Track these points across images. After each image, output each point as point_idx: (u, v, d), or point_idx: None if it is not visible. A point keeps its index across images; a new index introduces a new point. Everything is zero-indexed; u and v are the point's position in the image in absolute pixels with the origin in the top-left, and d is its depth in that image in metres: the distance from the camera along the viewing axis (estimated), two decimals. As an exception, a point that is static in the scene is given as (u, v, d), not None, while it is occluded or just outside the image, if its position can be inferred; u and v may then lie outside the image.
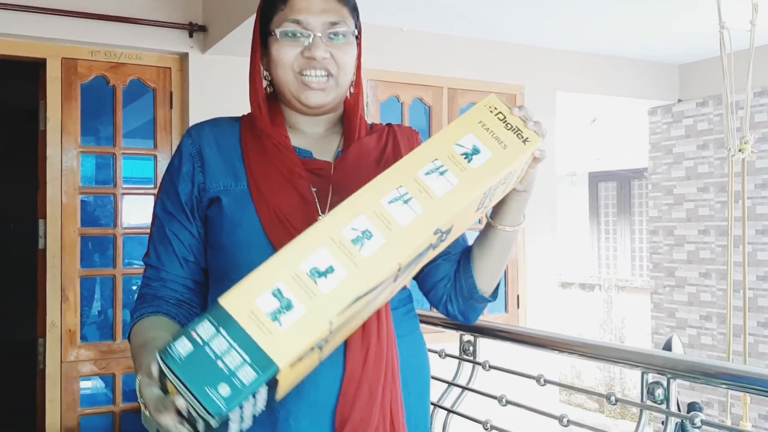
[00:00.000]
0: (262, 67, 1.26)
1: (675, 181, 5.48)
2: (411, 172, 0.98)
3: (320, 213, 1.18)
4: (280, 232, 1.14)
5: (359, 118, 1.30)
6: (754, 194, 4.88)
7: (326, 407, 1.13)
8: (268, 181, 1.19)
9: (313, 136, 1.29)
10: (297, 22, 1.19)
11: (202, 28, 3.56)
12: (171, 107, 3.66)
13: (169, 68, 3.66)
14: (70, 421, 3.39)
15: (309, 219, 1.15)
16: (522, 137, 1.04)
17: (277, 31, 1.20)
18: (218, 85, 3.60)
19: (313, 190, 1.20)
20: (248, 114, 1.30)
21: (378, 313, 1.17)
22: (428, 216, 0.96)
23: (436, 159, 0.99)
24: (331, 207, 1.18)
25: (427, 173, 0.99)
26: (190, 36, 3.56)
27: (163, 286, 1.23)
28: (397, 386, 1.18)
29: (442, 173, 0.99)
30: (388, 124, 1.36)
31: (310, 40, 1.19)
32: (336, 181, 1.22)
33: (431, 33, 4.29)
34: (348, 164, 1.24)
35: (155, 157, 3.63)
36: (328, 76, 1.21)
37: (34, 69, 3.54)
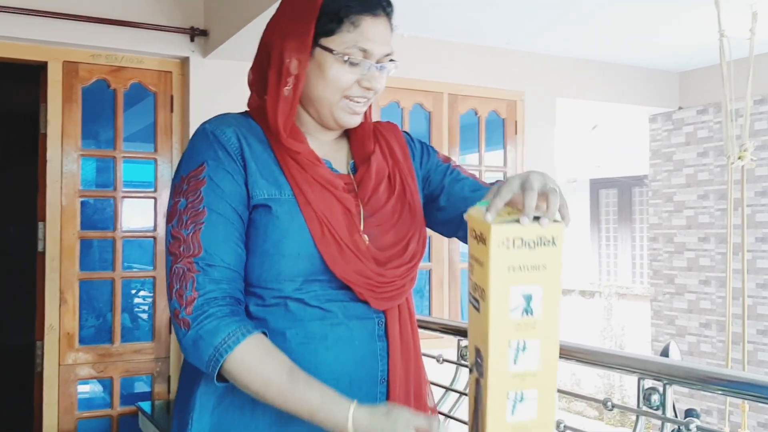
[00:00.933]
0: (296, 72, 1.18)
1: (675, 189, 5.49)
2: (503, 373, 1.01)
3: (360, 228, 1.21)
4: (330, 243, 1.15)
5: (370, 132, 1.32)
6: (753, 202, 4.89)
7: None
8: (314, 191, 1.17)
9: (325, 143, 1.29)
10: (364, 51, 1.18)
11: (204, 33, 3.57)
12: (172, 111, 3.67)
13: (170, 72, 3.67)
14: (67, 425, 3.39)
15: (352, 230, 1.18)
16: (549, 241, 1.00)
17: (344, 53, 1.17)
18: (219, 90, 3.61)
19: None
20: (254, 110, 1.26)
21: (410, 317, 1.27)
22: (545, 392, 1.05)
23: (509, 340, 1.00)
24: (366, 223, 1.23)
25: (515, 362, 1.01)
26: (192, 40, 3.57)
27: (226, 286, 1.13)
28: (422, 381, 1.30)
29: (524, 350, 1.01)
30: (373, 125, 1.34)
31: (369, 70, 1.19)
32: (363, 197, 1.25)
33: (432, 39, 4.30)
34: (370, 181, 1.26)
35: (155, 160, 3.63)
36: (366, 100, 1.24)
37: (35, 72, 3.55)
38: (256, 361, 1.08)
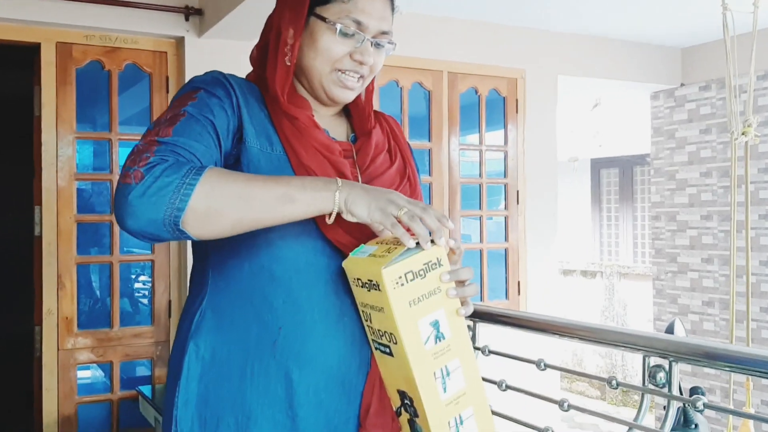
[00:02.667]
0: (288, 44, 1.20)
1: (677, 166, 5.44)
2: (438, 406, 1.03)
3: None
4: None
5: (370, 111, 1.31)
6: (757, 179, 4.84)
7: (355, 387, 1.15)
8: (307, 153, 1.16)
9: (323, 116, 1.28)
10: (358, 23, 1.18)
11: (198, 12, 3.51)
12: (168, 92, 3.62)
13: (165, 52, 3.62)
14: (67, 410, 3.38)
15: None
16: (436, 264, 1.03)
17: (338, 26, 1.17)
18: (215, 69, 3.56)
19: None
20: (252, 76, 1.26)
21: None
22: (479, 404, 1.08)
23: (433, 372, 1.02)
24: None
25: (445, 390, 1.03)
26: (186, 19, 3.52)
27: (185, 160, 1.04)
28: None
29: (448, 375, 1.04)
30: (375, 112, 1.36)
31: (362, 43, 1.19)
32: (363, 165, 1.24)
33: (431, 16, 4.24)
34: (370, 150, 1.26)
35: (152, 143, 3.59)
36: (360, 77, 1.23)
37: (29, 55, 3.50)
38: (229, 172, 1.03)
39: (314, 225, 1.12)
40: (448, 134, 4.28)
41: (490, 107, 4.50)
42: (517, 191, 4.55)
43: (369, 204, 1.03)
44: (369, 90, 1.32)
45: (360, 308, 1.07)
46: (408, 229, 1.03)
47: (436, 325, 1.02)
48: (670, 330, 1.89)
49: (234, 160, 1.14)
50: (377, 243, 1.06)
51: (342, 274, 1.12)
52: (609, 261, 9.65)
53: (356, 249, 1.07)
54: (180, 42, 3.59)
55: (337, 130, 1.29)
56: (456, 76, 4.35)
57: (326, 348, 1.12)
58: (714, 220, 5.19)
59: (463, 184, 4.37)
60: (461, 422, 1.05)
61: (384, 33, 1.22)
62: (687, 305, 5.38)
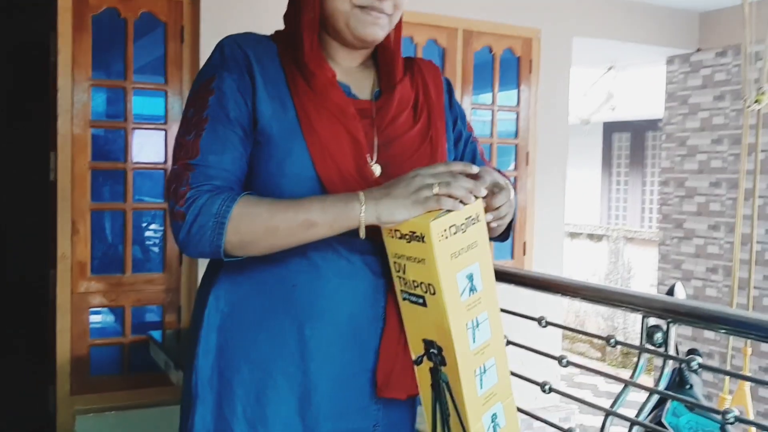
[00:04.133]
0: None
1: (689, 132, 5.43)
2: (468, 355, 1.07)
3: (369, 159, 1.18)
4: (331, 168, 1.14)
5: (399, 58, 1.29)
6: (768, 147, 4.83)
7: (367, 341, 1.18)
8: (320, 115, 1.16)
9: (348, 70, 1.27)
10: None
11: (215, -38, 3.50)
12: (182, 42, 3.63)
13: (181, 2, 3.61)
14: (80, 351, 3.47)
15: (360, 161, 1.16)
16: (475, 219, 1.07)
17: None
18: (231, 20, 3.56)
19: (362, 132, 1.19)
20: (279, 34, 1.26)
21: None
22: (500, 356, 1.15)
23: (466, 323, 1.07)
24: (379, 151, 1.20)
25: (474, 340, 1.08)
26: (203, -31, 3.51)
27: (219, 183, 1.12)
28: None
29: (477, 326, 1.08)
30: (412, 59, 1.34)
31: None
32: (381, 125, 1.21)
33: (447, -27, 4.21)
34: (391, 109, 1.23)
35: (166, 92, 3.61)
36: (384, 14, 1.20)
37: (43, 2, 3.50)
38: (255, 203, 1.09)
39: (326, 190, 1.14)
40: (461, 93, 4.28)
41: (504, 67, 4.48)
42: (527, 152, 4.57)
43: (403, 204, 1.04)
44: (396, 36, 1.30)
45: (392, 259, 1.09)
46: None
47: (471, 278, 1.06)
48: (670, 292, 1.93)
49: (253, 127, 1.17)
50: None
51: (354, 235, 1.14)
52: (616, 225, 9.67)
53: None
54: (196, -9, 3.58)
55: (362, 84, 1.27)
56: (471, 34, 4.33)
57: (337, 303, 1.16)
58: (722, 188, 5.20)
59: (473, 144, 4.38)
60: (485, 371, 1.10)
61: None
62: (691, 271, 5.43)
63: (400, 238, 1.05)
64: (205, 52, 3.51)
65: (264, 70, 1.18)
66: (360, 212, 1.05)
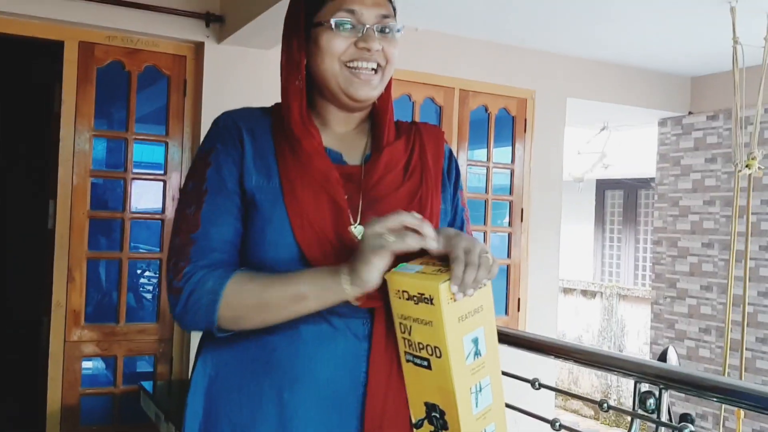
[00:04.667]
0: (303, 59, 1.22)
1: (681, 193, 5.50)
2: (471, 420, 1.07)
3: (352, 222, 1.17)
4: (310, 236, 1.14)
5: (388, 120, 1.28)
6: (759, 210, 4.90)
7: (340, 398, 1.16)
8: (302, 183, 1.17)
9: (342, 135, 1.27)
10: (352, 12, 1.17)
11: (219, 19, 3.59)
12: (185, 95, 3.70)
13: (185, 56, 3.69)
14: (70, 400, 3.44)
15: (340, 226, 1.16)
16: (483, 283, 1.08)
17: (332, 21, 1.17)
18: (232, 76, 3.64)
19: (345, 197, 1.19)
20: (276, 106, 1.27)
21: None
22: (500, 420, 1.15)
23: (470, 387, 1.07)
24: (363, 215, 1.19)
25: (477, 405, 1.08)
26: (207, 26, 3.59)
27: (218, 255, 1.16)
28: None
29: (480, 391, 1.08)
30: (414, 123, 1.34)
31: (364, 32, 1.18)
32: (366, 188, 1.21)
33: (445, 34, 4.32)
34: (378, 170, 1.22)
35: (166, 143, 3.66)
36: (376, 69, 1.20)
37: (52, 51, 3.57)
38: (248, 279, 1.12)
39: (305, 257, 1.15)
40: (457, 150, 4.35)
41: (499, 125, 4.56)
42: (522, 209, 4.62)
43: (367, 267, 1.05)
44: (386, 97, 1.29)
45: (398, 320, 1.09)
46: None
47: (476, 342, 1.07)
48: (663, 357, 1.94)
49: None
50: (420, 263, 1.10)
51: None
52: (609, 282, 9.68)
53: (399, 265, 1.09)
54: (200, 47, 3.67)
55: (354, 149, 1.27)
56: (467, 93, 4.42)
57: (315, 367, 1.15)
58: (715, 249, 5.24)
59: (468, 199, 4.42)
60: None
61: (385, 17, 1.20)
62: (684, 331, 5.43)
63: (408, 299, 1.05)
64: (207, 105, 3.60)
65: (255, 142, 1.21)
66: (344, 284, 1.07)
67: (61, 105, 3.46)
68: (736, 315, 4.37)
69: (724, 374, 3.92)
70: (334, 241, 1.15)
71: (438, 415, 1.08)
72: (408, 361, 1.10)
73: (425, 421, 1.10)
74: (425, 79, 4.26)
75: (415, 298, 1.04)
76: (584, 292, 8.75)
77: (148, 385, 3.48)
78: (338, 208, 1.17)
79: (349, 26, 1.18)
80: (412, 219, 1.05)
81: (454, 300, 1.02)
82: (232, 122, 1.22)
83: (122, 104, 3.62)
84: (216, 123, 1.24)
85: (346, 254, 1.12)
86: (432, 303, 1.02)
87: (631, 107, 5.16)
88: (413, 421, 1.13)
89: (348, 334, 1.16)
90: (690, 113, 5.38)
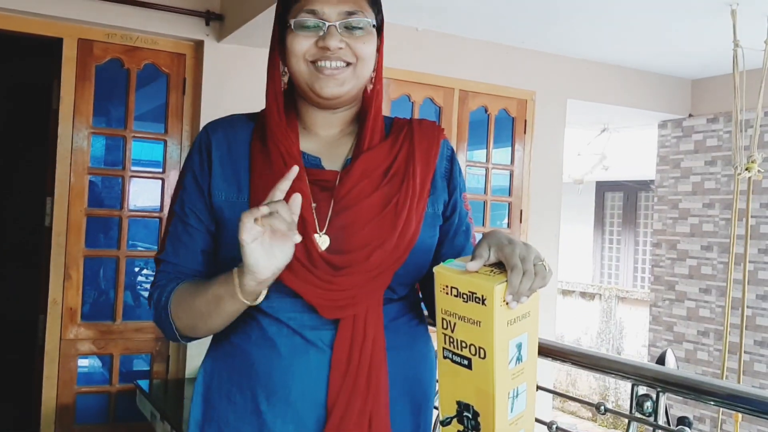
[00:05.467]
0: (280, 62, 1.23)
1: (681, 196, 5.49)
2: (505, 424, 1.06)
3: (318, 232, 1.15)
4: None
5: (373, 120, 1.24)
6: (758, 213, 4.89)
7: (310, 412, 1.15)
8: (267, 194, 1.13)
9: (325, 139, 1.25)
10: (312, 12, 1.16)
11: (219, 17, 3.58)
12: (183, 94, 3.68)
13: (184, 55, 3.68)
14: (66, 398, 3.43)
15: (305, 237, 1.11)
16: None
17: (292, 22, 1.17)
18: (232, 74, 3.63)
19: (313, 205, 1.16)
20: (263, 111, 1.26)
21: (365, 329, 1.15)
22: (530, 427, 1.14)
23: (509, 391, 1.06)
24: (330, 225, 1.16)
25: (512, 410, 1.07)
26: (207, 24, 3.58)
27: (178, 277, 1.22)
28: (380, 402, 1.17)
29: (516, 396, 1.07)
30: (409, 121, 1.29)
31: (325, 31, 1.16)
32: (338, 195, 1.17)
33: (445, 34, 4.31)
34: (353, 177, 1.18)
35: (165, 142, 3.65)
36: (345, 66, 1.18)
37: (50, 47, 3.56)
38: (184, 290, 1.18)
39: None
40: (456, 150, 4.34)
41: (499, 126, 4.55)
42: (521, 210, 4.61)
43: (243, 251, 1.02)
44: (371, 98, 1.25)
45: (441, 315, 1.07)
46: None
47: (519, 347, 1.06)
48: (661, 360, 1.93)
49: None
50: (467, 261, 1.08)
51: (308, 312, 1.14)
52: (608, 284, 9.68)
53: (447, 260, 1.08)
54: (199, 45, 3.66)
55: (335, 153, 1.24)
56: (467, 94, 4.41)
57: (289, 380, 1.15)
58: (714, 252, 5.23)
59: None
60: None
61: (350, 14, 1.17)
62: (682, 333, 5.43)
63: (456, 296, 1.03)
64: (206, 104, 3.59)
65: (227, 153, 1.21)
66: (236, 275, 1.07)
67: (60, 102, 3.44)
68: (734, 318, 4.36)
69: (722, 377, 3.91)
70: (299, 254, 1.10)
71: (470, 416, 1.07)
72: (445, 357, 1.08)
73: (454, 420, 1.09)
74: (425, 79, 4.25)
75: (464, 296, 1.02)
76: (583, 294, 8.74)
77: (144, 383, 3.47)
78: (304, 221, 1.13)
79: (311, 26, 1.17)
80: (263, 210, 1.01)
81: (507, 303, 1.01)
82: (205, 138, 1.24)
83: (121, 102, 3.61)
84: (196, 138, 1.26)
85: (312, 267, 1.12)
86: (484, 303, 1.00)
87: (632, 109, 5.16)
88: (441, 417, 1.11)
89: (320, 345, 1.15)
90: (690, 116, 5.37)
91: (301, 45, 1.17)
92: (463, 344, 1.04)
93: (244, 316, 1.16)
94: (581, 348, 1.79)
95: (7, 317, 5.82)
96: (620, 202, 10.11)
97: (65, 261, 3.43)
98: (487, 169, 4.53)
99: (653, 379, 1.52)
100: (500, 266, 1.04)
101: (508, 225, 4.60)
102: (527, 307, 1.05)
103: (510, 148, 4.62)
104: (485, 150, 4.54)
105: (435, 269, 1.06)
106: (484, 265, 1.05)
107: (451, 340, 1.06)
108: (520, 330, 1.05)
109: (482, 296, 1.00)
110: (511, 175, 4.60)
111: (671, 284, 5.53)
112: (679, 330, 5.45)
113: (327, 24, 1.16)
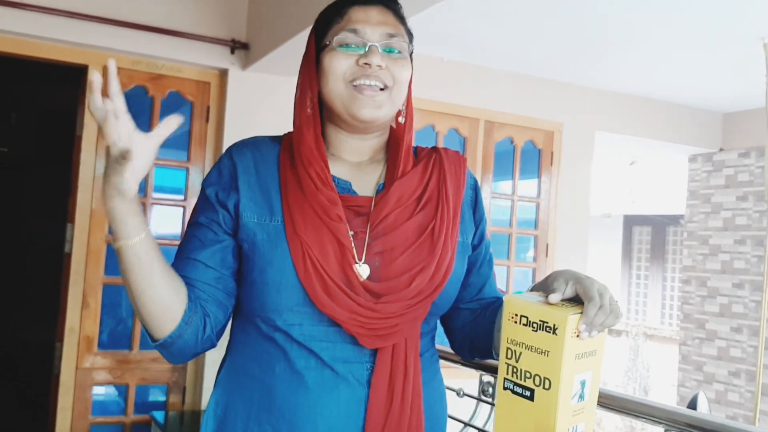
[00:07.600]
0: (309, 88, 1.21)
1: (711, 231, 5.37)
2: None
3: (356, 260, 1.13)
4: (312, 275, 1.09)
5: (405, 149, 1.23)
6: (793, 250, 4.75)
7: None
8: (305, 219, 1.12)
9: (355, 165, 1.23)
10: (354, 31, 1.15)
11: (245, 46, 3.58)
12: (207, 121, 3.68)
13: (209, 83, 3.68)
14: (80, 429, 3.38)
15: (344, 264, 1.11)
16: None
17: (334, 40, 1.16)
18: (256, 103, 3.62)
19: (351, 233, 1.14)
20: (289, 134, 1.23)
21: (406, 361, 1.14)
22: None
23: (568, 428, 1.04)
24: (368, 252, 1.14)
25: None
26: (232, 52, 3.58)
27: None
28: None
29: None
30: (434, 149, 1.28)
31: (366, 49, 1.15)
32: (375, 221, 1.15)
33: (472, 64, 4.27)
34: (389, 203, 1.17)
35: (188, 169, 3.64)
36: (382, 89, 1.16)
37: (75, 74, 3.58)
38: None
39: (309, 298, 1.11)
40: (481, 182, 4.28)
41: (525, 158, 4.49)
42: (547, 243, 4.52)
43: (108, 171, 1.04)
44: (403, 123, 1.25)
45: (506, 345, 1.06)
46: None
47: (583, 384, 1.04)
48: (693, 404, 1.84)
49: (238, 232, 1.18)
50: (539, 294, 1.08)
51: (341, 342, 1.11)
52: (636, 321, 9.49)
53: (516, 291, 1.09)
54: (224, 74, 3.65)
55: (366, 179, 1.22)
56: (492, 124, 4.36)
57: (316, 416, 1.11)
58: (746, 289, 5.09)
59: (492, 233, 4.35)
60: None
61: (391, 36, 1.17)
62: (712, 374, 5.26)
63: (526, 324, 1.03)
64: (230, 132, 3.57)
65: (256, 176, 1.18)
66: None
67: (83, 129, 3.45)
68: (767, 359, 4.22)
69: (755, 421, 3.77)
70: (338, 281, 1.10)
71: None
72: (506, 388, 1.07)
73: None
74: (450, 109, 4.21)
75: (534, 325, 1.02)
76: (610, 331, 8.58)
77: (159, 415, 3.41)
78: (341, 247, 1.12)
79: (352, 45, 1.16)
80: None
81: (578, 336, 1.00)
82: (229, 160, 1.20)
83: (144, 129, 3.51)
84: (218, 160, 1.22)
85: (354, 295, 1.09)
86: (555, 333, 1.00)
87: (661, 142, 5.07)
88: None
89: (351, 380, 1.12)
90: (721, 150, 5.27)
91: (341, 64, 1.15)
92: (528, 374, 1.03)
93: (269, 346, 1.13)
94: (610, 390, 1.70)
95: (24, 340, 5.82)
96: (648, 236, 9.96)
97: (84, 289, 3.41)
98: (512, 201, 4.46)
99: (687, 425, 1.43)
100: (571, 302, 1.04)
101: (534, 258, 4.51)
102: (595, 345, 1.04)
103: (536, 180, 4.55)
104: (511, 182, 4.48)
105: (505, 298, 1.07)
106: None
107: (515, 370, 1.05)
108: (586, 367, 1.04)
109: (554, 325, 1.00)
110: (537, 208, 4.53)
111: (701, 322, 5.38)
112: (709, 370, 5.29)
113: (369, 43, 1.16)
